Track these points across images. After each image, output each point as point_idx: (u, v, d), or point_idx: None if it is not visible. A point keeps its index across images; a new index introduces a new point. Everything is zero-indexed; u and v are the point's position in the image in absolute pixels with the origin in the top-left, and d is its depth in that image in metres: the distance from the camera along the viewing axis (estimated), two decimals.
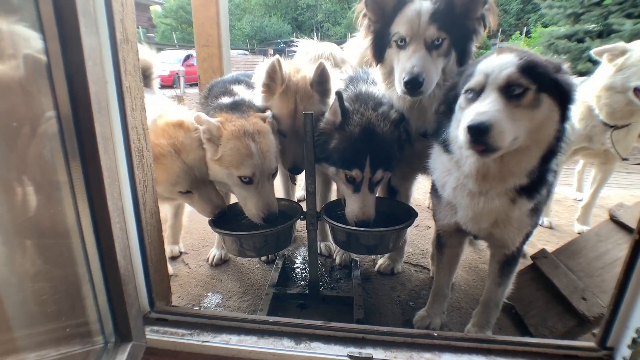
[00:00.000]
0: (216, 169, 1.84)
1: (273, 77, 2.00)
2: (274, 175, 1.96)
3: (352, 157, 1.78)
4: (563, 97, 1.26)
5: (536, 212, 1.50)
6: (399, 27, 1.73)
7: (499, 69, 1.26)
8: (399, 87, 1.72)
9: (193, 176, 1.83)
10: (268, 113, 1.97)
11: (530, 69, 1.23)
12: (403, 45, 1.74)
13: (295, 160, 2.04)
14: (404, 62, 1.72)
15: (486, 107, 1.20)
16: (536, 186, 1.40)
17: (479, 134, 1.16)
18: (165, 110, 1.98)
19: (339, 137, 1.82)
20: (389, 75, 1.90)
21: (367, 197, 1.83)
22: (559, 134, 1.30)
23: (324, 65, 1.99)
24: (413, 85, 1.64)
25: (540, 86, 1.23)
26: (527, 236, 1.58)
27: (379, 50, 1.89)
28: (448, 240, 1.81)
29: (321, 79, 2.03)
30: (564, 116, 1.29)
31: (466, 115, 1.24)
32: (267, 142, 1.86)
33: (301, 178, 3.03)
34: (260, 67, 2.09)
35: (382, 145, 1.79)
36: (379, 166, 1.78)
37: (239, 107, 1.95)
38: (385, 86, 1.94)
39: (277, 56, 2.00)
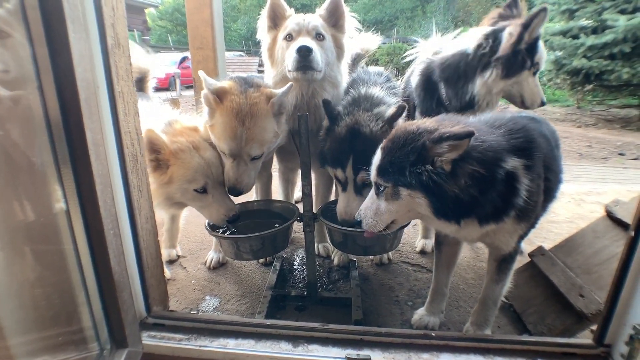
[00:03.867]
0: (210, 134, 1.92)
1: (276, 14, 2.07)
2: (257, 158, 1.93)
3: (336, 157, 1.83)
4: (430, 184, 1.28)
5: (525, 217, 1.46)
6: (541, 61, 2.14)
7: (373, 169, 1.47)
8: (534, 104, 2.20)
9: (210, 173, 1.85)
10: (277, 91, 1.91)
11: (384, 170, 1.40)
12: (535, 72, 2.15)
13: (303, 43, 1.90)
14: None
15: (363, 202, 1.56)
16: (499, 212, 1.38)
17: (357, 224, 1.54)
18: (178, 117, 2.06)
19: (329, 138, 1.89)
20: (499, 93, 2.16)
21: (350, 197, 1.84)
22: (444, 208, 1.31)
23: None
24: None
25: (396, 182, 1.36)
26: (522, 237, 1.58)
27: (512, 68, 2.06)
28: (445, 239, 1.81)
29: (333, 8, 2.09)
30: (438, 197, 1.29)
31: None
32: (257, 128, 1.84)
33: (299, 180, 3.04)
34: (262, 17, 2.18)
35: (369, 146, 1.65)
36: (363, 167, 1.70)
37: (250, 81, 1.96)
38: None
39: None
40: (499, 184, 1.31)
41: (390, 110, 1.83)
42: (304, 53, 1.87)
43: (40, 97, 1.00)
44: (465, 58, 2.15)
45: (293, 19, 2.03)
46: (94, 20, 1.15)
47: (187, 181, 1.81)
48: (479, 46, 2.11)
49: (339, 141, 1.81)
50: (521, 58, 2.04)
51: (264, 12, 2.12)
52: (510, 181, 1.33)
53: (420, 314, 1.96)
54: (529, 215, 1.47)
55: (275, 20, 2.10)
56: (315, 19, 2.04)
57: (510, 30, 2.03)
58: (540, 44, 2.08)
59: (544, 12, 1.96)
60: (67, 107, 1.03)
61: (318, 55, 1.92)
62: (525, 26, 1.98)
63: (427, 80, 2.33)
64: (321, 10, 2.11)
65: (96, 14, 1.16)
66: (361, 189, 1.83)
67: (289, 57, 1.93)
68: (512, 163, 1.33)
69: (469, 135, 1.19)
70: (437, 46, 2.69)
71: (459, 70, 2.17)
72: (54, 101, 1.01)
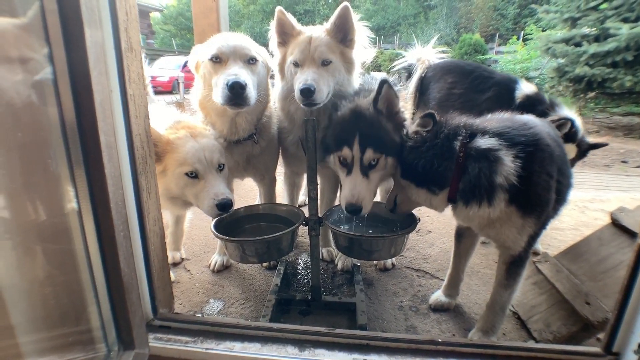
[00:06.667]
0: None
1: (284, 30, 2.07)
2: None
3: (341, 137, 1.79)
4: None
5: (530, 211, 1.51)
6: None
7: None
8: None
9: (202, 157, 1.82)
10: None
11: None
12: None
13: (307, 81, 1.90)
14: None
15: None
16: (480, 191, 1.49)
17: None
18: (182, 117, 2.09)
19: (332, 124, 1.90)
20: None
21: (357, 179, 1.76)
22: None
23: (346, 6, 2.00)
24: None
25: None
26: (532, 238, 1.59)
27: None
28: (465, 232, 1.98)
29: (341, 22, 2.02)
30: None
31: None
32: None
33: (305, 184, 3.05)
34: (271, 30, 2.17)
35: (372, 126, 1.75)
36: (369, 145, 1.71)
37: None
38: None
39: (279, 7, 2.04)
40: (454, 154, 1.51)
41: (373, 94, 1.80)
42: (306, 94, 1.89)
43: (56, 99, 1.01)
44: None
45: (299, 43, 1.99)
46: (109, 25, 1.17)
47: (178, 164, 1.78)
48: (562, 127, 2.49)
49: (343, 122, 1.80)
50: None
51: (272, 27, 2.10)
52: (489, 160, 1.46)
53: (437, 295, 2.17)
54: (535, 210, 1.50)
55: (284, 37, 2.09)
56: (322, 42, 1.99)
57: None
58: None
59: None
60: (83, 110, 1.04)
61: (323, 89, 1.93)
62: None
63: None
64: (328, 24, 2.05)
65: (111, 18, 1.18)
66: (367, 171, 1.77)
67: (295, 90, 1.95)
68: (488, 143, 1.48)
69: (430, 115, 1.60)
70: (422, 54, 3.50)
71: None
72: (70, 104, 1.03)
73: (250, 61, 1.99)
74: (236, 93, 1.82)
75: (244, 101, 1.86)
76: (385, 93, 1.73)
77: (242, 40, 2.00)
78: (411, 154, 1.62)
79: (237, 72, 1.87)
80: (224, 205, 1.84)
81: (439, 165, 1.54)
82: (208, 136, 1.93)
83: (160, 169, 1.80)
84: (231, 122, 2.08)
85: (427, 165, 1.56)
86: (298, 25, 2.07)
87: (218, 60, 1.92)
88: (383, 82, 1.71)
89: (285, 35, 2.08)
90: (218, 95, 1.88)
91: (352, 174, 1.78)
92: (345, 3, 2.03)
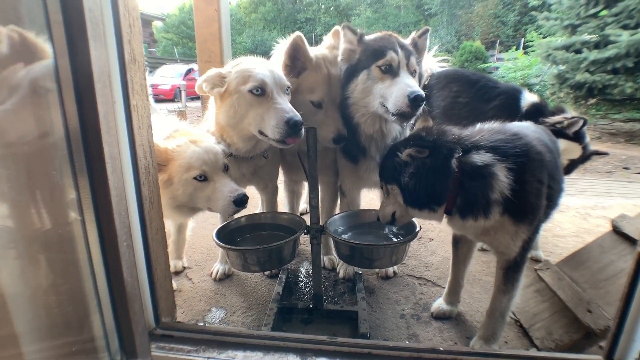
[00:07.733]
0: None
1: (298, 57, 2.05)
2: None
3: (382, 46, 1.91)
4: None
5: (523, 218, 1.53)
6: None
7: None
8: None
9: (208, 160, 1.82)
10: None
11: None
12: None
13: (339, 128, 2.01)
14: None
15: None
16: (477, 206, 1.52)
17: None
18: (180, 126, 2.10)
19: (361, 45, 2.01)
20: None
21: (410, 77, 1.85)
22: None
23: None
24: None
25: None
26: (527, 242, 1.61)
27: None
28: (462, 238, 1.98)
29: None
30: None
31: None
32: None
33: (305, 192, 3.07)
34: (279, 48, 2.16)
35: (410, 45, 1.99)
36: (411, 54, 1.91)
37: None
38: None
39: (297, 33, 2.02)
40: (451, 172, 1.52)
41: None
42: (342, 141, 2.07)
43: (61, 111, 1.03)
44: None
45: (319, 83, 2.04)
46: (113, 38, 1.19)
47: (185, 170, 1.78)
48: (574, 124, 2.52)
49: (379, 39, 1.97)
50: None
51: (284, 49, 2.05)
52: (484, 177, 1.48)
53: (438, 303, 2.16)
54: (527, 217, 1.52)
55: (296, 63, 2.05)
56: (340, 80, 2.07)
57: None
58: None
59: None
60: (87, 122, 1.06)
61: None
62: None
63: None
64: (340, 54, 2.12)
65: (115, 30, 1.20)
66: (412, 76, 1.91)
67: (326, 134, 2.07)
68: (483, 159, 1.50)
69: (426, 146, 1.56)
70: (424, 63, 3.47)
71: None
72: (74, 116, 1.05)
73: (287, 90, 1.95)
74: (297, 130, 1.81)
75: (300, 136, 1.84)
76: (425, 38, 2.08)
77: (276, 68, 1.95)
78: (412, 180, 1.61)
79: (292, 108, 1.85)
80: (241, 200, 1.83)
81: (439, 187, 1.56)
82: (207, 141, 1.94)
83: (165, 178, 1.80)
84: (254, 144, 2.09)
85: (429, 190, 1.58)
86: (314, 55, 2.05)
87: (260, 92, 1.84)
88: (427, 30, 2.07)
89: (298, 62, 2.05)
90: (270, 131, 1.82)
91: (401, 75, 1.85)
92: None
